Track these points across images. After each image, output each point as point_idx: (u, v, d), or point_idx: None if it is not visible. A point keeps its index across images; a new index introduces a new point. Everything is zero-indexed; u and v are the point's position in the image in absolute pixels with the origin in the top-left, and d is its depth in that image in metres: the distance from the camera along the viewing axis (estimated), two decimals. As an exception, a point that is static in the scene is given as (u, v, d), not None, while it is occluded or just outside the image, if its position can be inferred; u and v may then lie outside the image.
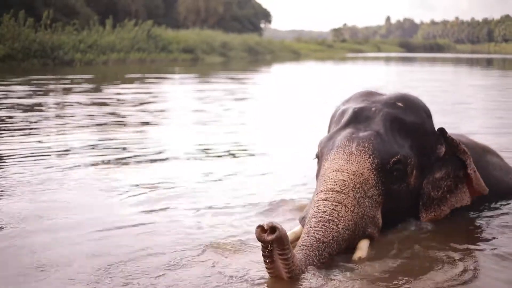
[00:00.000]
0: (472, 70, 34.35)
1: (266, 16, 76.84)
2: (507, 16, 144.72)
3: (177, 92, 16.77)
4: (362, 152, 3.64)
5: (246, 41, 48.37)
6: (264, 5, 79.48)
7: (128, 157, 6.76)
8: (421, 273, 3.33)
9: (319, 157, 3.90)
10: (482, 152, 4.64)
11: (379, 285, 3.18)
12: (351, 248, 3.52)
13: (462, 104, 13.36)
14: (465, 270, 3.36)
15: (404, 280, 3.24)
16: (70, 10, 39.01)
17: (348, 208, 3.49)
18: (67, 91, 15.27)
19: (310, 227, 3.45)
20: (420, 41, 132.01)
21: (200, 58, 39.12)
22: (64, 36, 29.48)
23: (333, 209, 3.48)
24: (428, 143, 3.94)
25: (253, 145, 7.85)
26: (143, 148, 7.41)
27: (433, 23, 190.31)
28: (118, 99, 13.14)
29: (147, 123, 9.75)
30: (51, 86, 17.18)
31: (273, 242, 2.98)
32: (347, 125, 3.86)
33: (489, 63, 47.19)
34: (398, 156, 3.68)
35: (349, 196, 3.52)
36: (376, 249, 3.59)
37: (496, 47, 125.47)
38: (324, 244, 3.36)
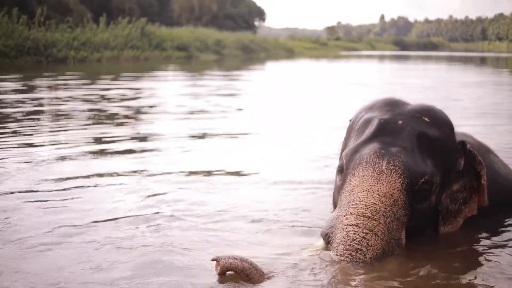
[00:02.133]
0: (465, 68, 34.43)
1: (260, 14, 76.84)
2: (500, 15, 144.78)
3: (164, 89, 16.74)
4: (392, 171, 3.56)
5: (240, 39, 48.38)
6: (258, 3, 79.32)
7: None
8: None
9: (343, 170, 3.79)
10: (486, 152, 4.64)
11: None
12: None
13: (448, 100, 13.42)
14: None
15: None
16: (64, 7, 38.94)
17: (378, 236, 3.44)
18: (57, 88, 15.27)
19: (337, 254, 3.44)
20: (414, 39, 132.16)
21: (194, 56, 39.11)
22: (58, 34, 29.43)
23: (363, 237, 3.44)
24: (450, 158, 3.87)
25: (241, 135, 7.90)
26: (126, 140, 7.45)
27: (427, 21, 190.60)
28: (103, 95, 13.17)
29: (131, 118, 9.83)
30: (41, 83, 17.18)
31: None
32: (373, 138, 3.76)
33: (482, 61, 47.31)
34: (427, 177, 3.61)
35: (380, 223, 3.46)
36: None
37: (490, 45, 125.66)
38: (348, 273, 3.32)
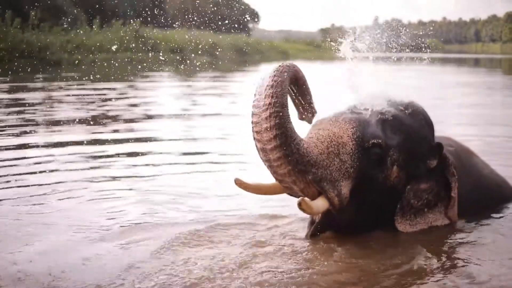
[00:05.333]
0: (459, 70, 34.51)
1: (254, 16, 76.83)
2: (494, 16, 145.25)
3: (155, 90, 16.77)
4: (346, 122, 3.73)
5: (234, 41, 48.31)
6: (252, 5, 79.40)
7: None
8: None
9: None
10: (468, 154, 4.71)
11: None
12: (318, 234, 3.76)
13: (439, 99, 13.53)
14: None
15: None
16: (58, 10, 38.82)
17: (317, 147, 3.60)
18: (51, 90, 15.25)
19: None
20: (408, 41, 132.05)
21: (188, 58, 39.04)
22: (52, 37, 29.38)
23: (302, 139, 3.57)
24: (420, 150, 3.96)
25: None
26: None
27: (420, 23, 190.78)
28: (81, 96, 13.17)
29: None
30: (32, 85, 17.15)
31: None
32: (341, 113, 3.93)
33: (476, 63, 47.42)
34: (379, 140, 3.72)
35: (322, 143, 3.62)
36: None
37: (483, 47, 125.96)
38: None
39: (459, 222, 4.09)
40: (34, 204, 4.87)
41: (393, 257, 3.57)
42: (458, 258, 3.61)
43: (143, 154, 7.04)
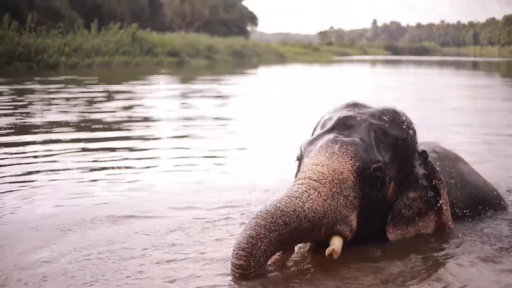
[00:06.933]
0: (457, 72, 34.54)
1: (252, 19, 76.83)
2: (492, 19, 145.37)
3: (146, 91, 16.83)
4: (344, 153, 3.64)
5: (231, 44, 48.37)
6: (251, 9, 79.22)
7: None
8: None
9: (300, 158, 3.89)
10: (455, 160, 4.71)
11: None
12: (323, 245, 3.55)
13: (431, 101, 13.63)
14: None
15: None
16: (55, 13, 38.91)
17: (321, 195, 3.50)
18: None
19: (276, 199, 3.49)
20: (406, 44, 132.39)
21: (185, 61, 39.10)
22: (49, 40, 29.36)
23: (305, 190, 3.50)
24: (408, 160, 3.96)
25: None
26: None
27: (419, 26, 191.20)
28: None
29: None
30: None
31: None
32: (331, 130, 3.87)
33: (474, 66, 47.45)
34: (379, 163, 3.69)
35: (325, 186, 3.53)
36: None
37: (482, 50, 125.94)
38: (282, 212, 3.37)
39: (441, 230, 4.10)
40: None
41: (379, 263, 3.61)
42: (438, 264, 3.63)
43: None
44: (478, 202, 4.56)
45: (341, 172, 3.60)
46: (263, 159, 7.15)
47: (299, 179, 3.61)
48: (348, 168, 3.62)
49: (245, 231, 3.31)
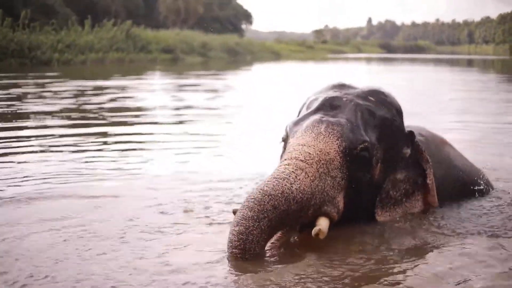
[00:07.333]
0: (452, 69, 34.59)
1: (247, 17, 76.76)
2: (487, 18, 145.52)
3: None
4: (330, 133, 3.61)
5: (226, 41, 48.34)
6: (245, 6, 79.37)
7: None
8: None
9: (285, 139, 3.86)
10: (441, 144, 4.70)
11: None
12: (309, 225, 3.50)
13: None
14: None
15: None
16: (49, 10, 38.81)
17: (308, 176, 3.46)
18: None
19: (262, 182, 3.45)
20: (401, 42, 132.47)
21: (179, 58, 39.07)
22: (42, 36, 29.30)
23: (292, 171, 3.46)
24: (395, 141, 3.93)
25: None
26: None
27: (414, 25, 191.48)
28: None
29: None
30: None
31: None
32: (317, 111, 3.84)
33: (469, 63, 47.53)
34: (366, 144, 3.66)
35: (312, 166, 3.50)
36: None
37: (476, 48, 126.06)
38: (270, 197, 3.33)
39: (427, 213, 4.08)
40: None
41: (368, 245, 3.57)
42: (419, 249, 3.59)
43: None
44: (464, 186, 4.55)
45: (327, 153, 3.57)
46: (252, 149, 7.11)
47: (286, 159, 3.57)
48: (334, 148, 3.59)
49: (234, 228, 3.29)
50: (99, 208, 4.35)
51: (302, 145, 3.61)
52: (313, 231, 3.42)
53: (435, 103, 12.52)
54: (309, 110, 3.90)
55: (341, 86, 4.10)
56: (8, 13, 28.77)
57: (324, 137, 3.61)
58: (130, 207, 4.36)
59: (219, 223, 3.99)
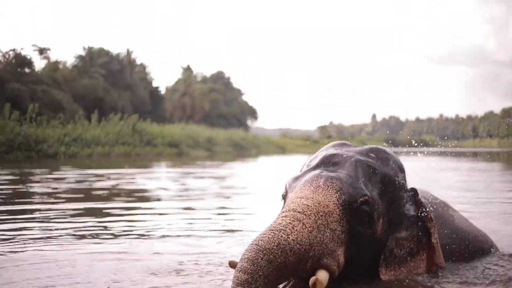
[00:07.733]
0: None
1: (252, 113, 77.89)
2: (490, 112, 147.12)
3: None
4: (329, 186, 3.54)
5: (231, 136, 48.84)
6: (251, 103, 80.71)
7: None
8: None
9: (285, 196, 3.79)
10: (444, 206, 4.63)
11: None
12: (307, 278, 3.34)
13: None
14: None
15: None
16: (57, 105, 39.44)
17: (306, 227, 3.37)
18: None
19: (258, 235, 3.35)
20: (406, 138, 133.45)
21: (184, 152, 39.35)
22: (49, 130, 29.70)
23: (289, 222, 3.37)
24: (398, 197, 3.84)
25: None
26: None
27: (418, 120, 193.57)
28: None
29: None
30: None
31: None
32: (316, 167, 3.80)
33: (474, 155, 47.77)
34: (366, 197, 3.56)
35: (310, 218, 3.41)
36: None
37: (481, 142, 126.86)
38: (264, 252, 3.22)
39: (433, 276, 3.93)
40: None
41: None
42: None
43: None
44: (470, 245, 4.44)
45: (326, 205, 3.48)
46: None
47: (283, 211, 3.49)
48: (333, 201, 3.50)
49: None
50: None
51: (300, 197, 3.54)
52: (311, 281, 3.27)
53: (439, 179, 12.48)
54: (309, 167, 3.85)
55: (342, 145, 4.09)
56: (15, 107, 29.24)
57: (323, 190, 3.54)
58: None
59: None
